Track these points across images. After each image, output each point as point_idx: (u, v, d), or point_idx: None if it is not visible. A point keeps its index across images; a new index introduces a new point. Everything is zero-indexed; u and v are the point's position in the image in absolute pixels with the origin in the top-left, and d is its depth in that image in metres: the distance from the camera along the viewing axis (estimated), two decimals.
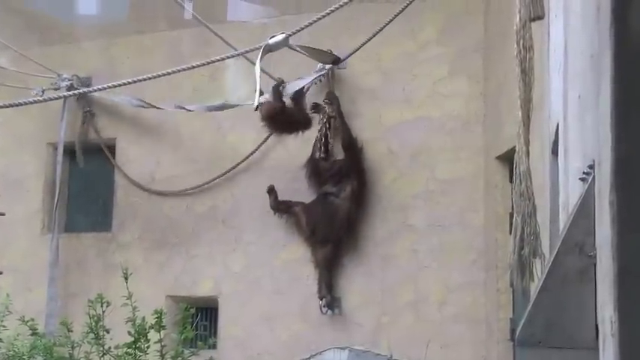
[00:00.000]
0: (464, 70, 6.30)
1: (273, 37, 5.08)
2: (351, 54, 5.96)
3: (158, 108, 6.64)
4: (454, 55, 6.34)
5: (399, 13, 5.30)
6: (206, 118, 6.90)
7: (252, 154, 6.68)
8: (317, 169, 6.43)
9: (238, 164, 6.72)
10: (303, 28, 4.94)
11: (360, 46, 5.77)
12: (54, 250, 7.10)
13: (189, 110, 6.46)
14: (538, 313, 2.41)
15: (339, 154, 6.44)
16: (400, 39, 6.37)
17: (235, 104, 6.42)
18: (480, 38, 6.27)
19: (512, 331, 5.67)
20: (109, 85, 5.17)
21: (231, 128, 6.83)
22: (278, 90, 6.12)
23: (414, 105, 6.41)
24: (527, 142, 3.11)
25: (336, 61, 6.14)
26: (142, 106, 6.73)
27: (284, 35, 5.03)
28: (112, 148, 7.25)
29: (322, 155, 6.39)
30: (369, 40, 5.62)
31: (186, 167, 6.97)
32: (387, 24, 5.40)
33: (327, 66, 6.36)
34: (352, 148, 6.34)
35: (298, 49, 5.51)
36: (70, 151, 7.32)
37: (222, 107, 6.51)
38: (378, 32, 5.54)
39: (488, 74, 6.17)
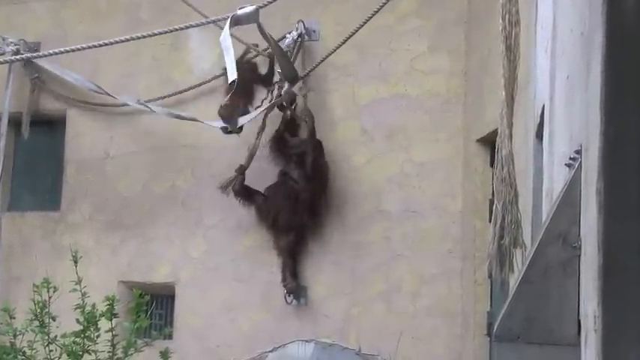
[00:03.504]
0: (445, 46, 6.31)
1: (242, 7, 5.03)
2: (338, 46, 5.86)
3: (114, 98, 6.57)
4: (434, 29, 6.34)
5: None
6: (166, 89, 6.83)
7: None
8: (283, 144, 6.43)
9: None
10: (273, 0, 4.88)
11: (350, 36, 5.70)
12: None
13: (153, 111, 6.39)
14: (517, 307, 2.43)
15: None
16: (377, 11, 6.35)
17: (201, 121, 6.35)
18: (462, 11, 6.28)
19: (490, 325, 5.73)
20: (60, 50, 5.06)
21: (194, 101, 6.77)
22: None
23: (391, 82, 6.41)
24: (510, 125, 3.14)
25: (294, 79, 6.15)
26: (96, 92, 6.66)
27: (254, 7, 4.97)
28: (61, 121, 7.16)
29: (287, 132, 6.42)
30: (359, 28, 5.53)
31: (143, 143, 6.91)
32: None
33: (291, 38, 6.32)
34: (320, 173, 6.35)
35: (270, 38, 5.45)
36: (15, 123, 7.21)
37: (187, 118, 6.44)
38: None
39: (470, 50, 6.19)
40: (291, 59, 6.37)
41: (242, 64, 6.21)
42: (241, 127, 6.21)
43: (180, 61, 6.83)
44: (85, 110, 7.08)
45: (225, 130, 6.16)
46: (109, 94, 6.60)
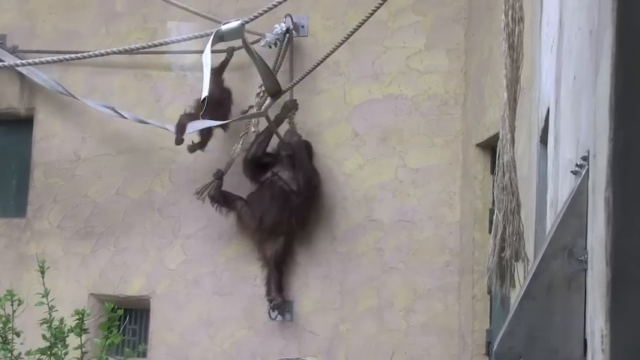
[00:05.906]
0: (443, 43, 6.33)
1: (226, 23, 5.08)
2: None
3: (84, 102, 6.59)
4: (432, 26, 6.36)
5: None
6: (142, 87, 6.83)
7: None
8: (259, 161, 6.42)
9: None
10: (260, 15, 4.93)
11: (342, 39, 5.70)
12: None
13: (124, 117, 6.41)
14: (519, 324, 2.44)
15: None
16: (370, 5, 6.36)
17: (168, 129, 6.33)
18: (462, 7, 6.31)
19: (489, 344, 5.74)
20: (35, 60, 5.14)
21: (172, 101, 6.78)
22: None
23: (385, 82, 6.42)
24: (512, 129, 3.15)
25: (277, 94, 6.16)
26: (64, 94, 6.67)
27: (239, 23, 5.02)
28: (28, 120, 7.14)
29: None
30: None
31: (117, 145, 6.89)
32: None
33: (275, 33, 6.33)
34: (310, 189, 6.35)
35: (255, 53, 5.49)
36: None
37: (154, 124, 6.44)
38: None
39: (470, 49, 6.22)
40: (277, 56, 6.39)
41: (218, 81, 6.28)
42: (185, 141, 6.22)
43: (156, 56, 6.82)
44: (54, 110, 7.07)
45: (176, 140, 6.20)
46: (76, 98, 6.61)
